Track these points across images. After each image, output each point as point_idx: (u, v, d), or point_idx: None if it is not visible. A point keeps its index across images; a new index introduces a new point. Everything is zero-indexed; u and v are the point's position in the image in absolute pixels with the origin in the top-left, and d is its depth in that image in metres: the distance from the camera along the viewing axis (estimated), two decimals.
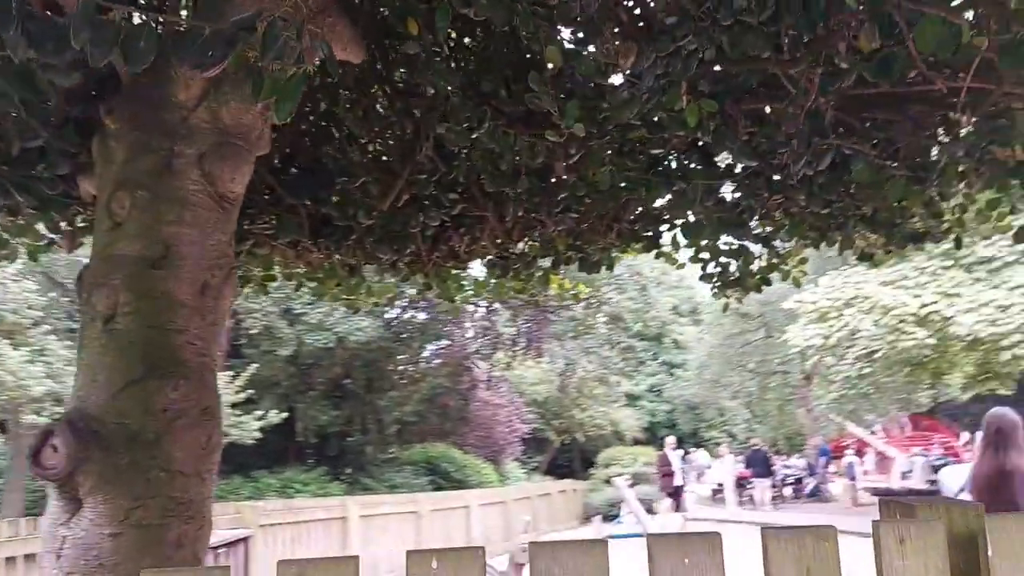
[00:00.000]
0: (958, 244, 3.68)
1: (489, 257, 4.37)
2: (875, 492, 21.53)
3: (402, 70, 3.30)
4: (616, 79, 2.60)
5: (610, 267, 4.30)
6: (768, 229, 3.77)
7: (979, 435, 17.88)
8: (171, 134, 2.49)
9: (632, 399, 35.63)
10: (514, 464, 26.95)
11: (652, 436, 35.89)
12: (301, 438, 19.22)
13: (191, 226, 2.49)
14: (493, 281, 4.69)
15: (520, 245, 4.28)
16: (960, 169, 3.05)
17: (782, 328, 24.29)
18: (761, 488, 20.69)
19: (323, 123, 3.76)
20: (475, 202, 3.85)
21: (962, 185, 3.21)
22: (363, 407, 20.93)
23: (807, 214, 3.48)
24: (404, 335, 22.07)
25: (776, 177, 3.20)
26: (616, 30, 2.19)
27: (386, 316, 20.98)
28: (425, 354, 23.55)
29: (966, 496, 5.28)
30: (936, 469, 23.48)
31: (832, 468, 25.42)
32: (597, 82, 2.50)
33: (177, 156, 2.49)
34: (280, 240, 3.78)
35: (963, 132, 2.79)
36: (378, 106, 3.64)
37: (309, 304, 17.68)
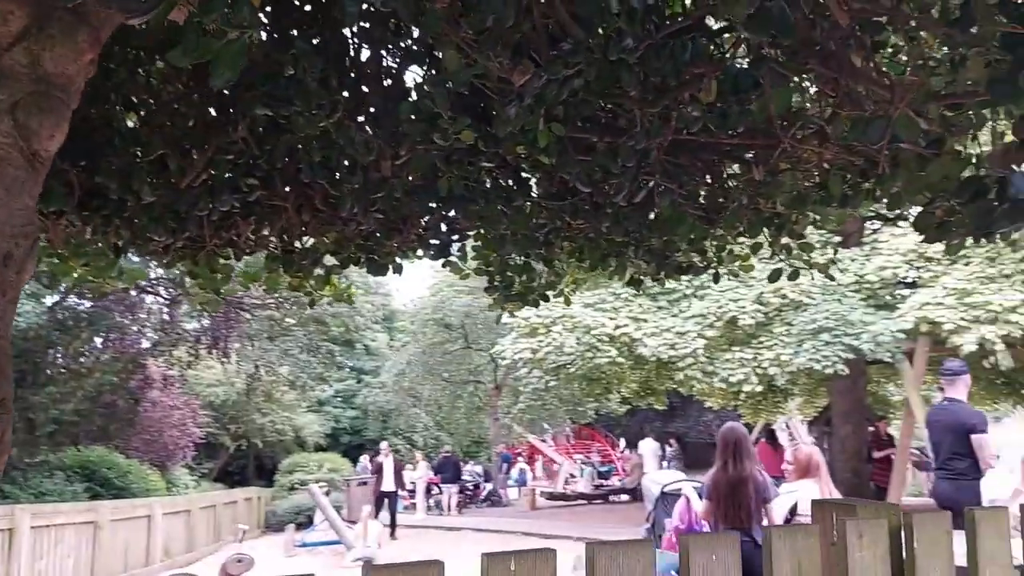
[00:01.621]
0: (716, 279, 4.21)
1: (272, 250, 4.17)
2: (550, 496, 23.34)
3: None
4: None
5: (398, 270, 4.30)
6: (557, 250, 4.01)
7: (645, 444, 19.94)
8: None
9: (319, 404, 35.16)
10: (183, 470, 25.22)
11: (335, 442, 35.64)
12: None
13: None
14: (265, 275, 4.47)
15: (310, 240, 4.13)
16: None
17: (480, 340, 25.50)
18: (449, 493, 21.46)
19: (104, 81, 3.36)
20: (275, 191, 3.67)
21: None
22: (12, 403, 18.35)
23: (603, 240, 3.77)
24: (70, 323, 19.74)
25: (586, 205, 3.44)
26: (516, 47, 2.26)
27: (46, 301, 18.65)
28: (93, 347, 21.20)
29: (695, 500, 5.95)
30: (603, 475, 26.00)
31: (512, 474, 27.07)
32: (488, 93, 2.54)
33: None
34: (45, 209, 3.32)
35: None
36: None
37: None
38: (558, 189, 3.54)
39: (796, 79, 2.38)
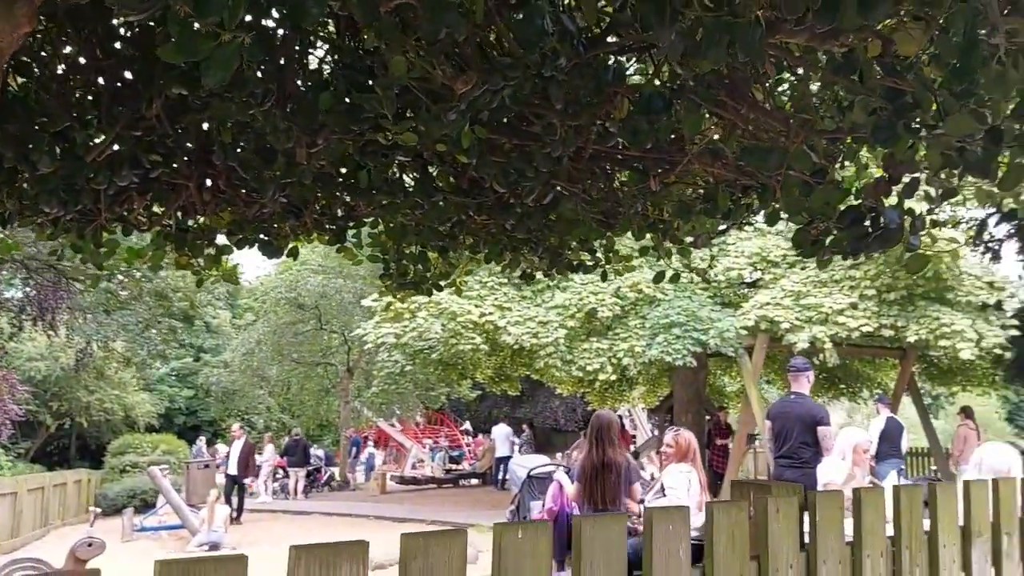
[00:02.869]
0: (603, 277, 4.49)
1: (164, 227, 4.10)
2: (401, 480, 23.42)
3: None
4: None
5: (292, 254, 4.33)
6: (458, 243, 4.17)
7: (498, 429, 20.27)
8: None
9: (152, 383, 33.61)
10: None
11: (168, 423, 34.17)
12: None
13: None
14: (152, 251, 4.38)
15: (203, 220, 4.09)
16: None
17: (333, 321, 25.15)
18: (296, 477, 21.14)
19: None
20: (177, 169, 3.64)
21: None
22: None
23: (503, 236, 3.96)
24: None
25: (489, 203, 3.62)
26: (458, 58, 2.40)
27: None
28: None
29: (567, 484, 6.26)
30: (454, 460, 26.29)
31: (362, 458, 26.93)
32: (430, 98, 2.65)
33: None
34: None
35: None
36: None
37: None
38: (468, 186, 3.70)
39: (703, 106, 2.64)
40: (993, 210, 10.91)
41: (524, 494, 7.66)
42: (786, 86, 3.17)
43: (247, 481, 16.95)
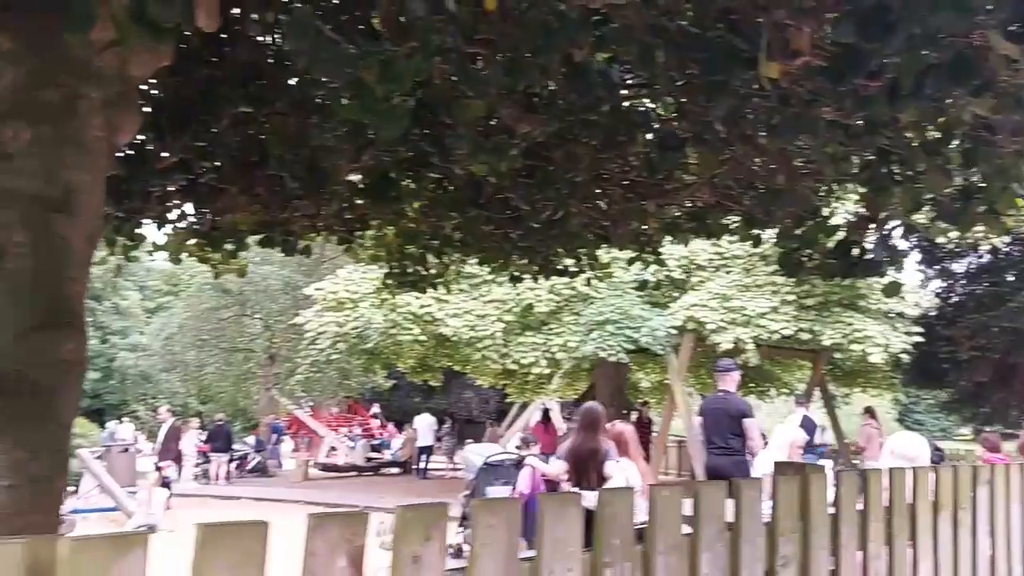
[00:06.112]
0: (588, 282, 5.00)
1: (195, 225, 4.40)
2: (323, 468, 23.50)
3: None
4: None
5: (305, 252, 4.69)
6: (467, 248, 4.62)
7: (421, 419, 20.37)
8: (77, 73, 2.38)
9: None
10: None
11: None
12: None
13: (89, 173, 2.42)
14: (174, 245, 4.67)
15: (232, 219, 4.41)
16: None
17: (257, 308, 24.98)
18: (218, 462, 21.01)
19: None
20: (223, 175, 3.97)
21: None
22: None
23: (506, 244, 4.43)
24: None
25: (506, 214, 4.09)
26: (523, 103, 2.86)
27: None
28: None
29: (543, 466, 6.74)
30: (376, 448, 26.45)
31: (283, 445, 26.79)
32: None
33: (82, 98, 2.38)
34: None
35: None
36: None
37: None
38: (485, 200, 4.15)
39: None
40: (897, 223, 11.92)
41: (480, 481, 8.11)
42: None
43: (162, 465, 16.79)
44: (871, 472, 2.65)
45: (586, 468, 5.51)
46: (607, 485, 5.75)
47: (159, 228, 4.37)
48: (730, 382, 7.73)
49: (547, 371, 13.97)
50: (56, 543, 1.00)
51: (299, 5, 1.89)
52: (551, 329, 13.69)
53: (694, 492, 1.80)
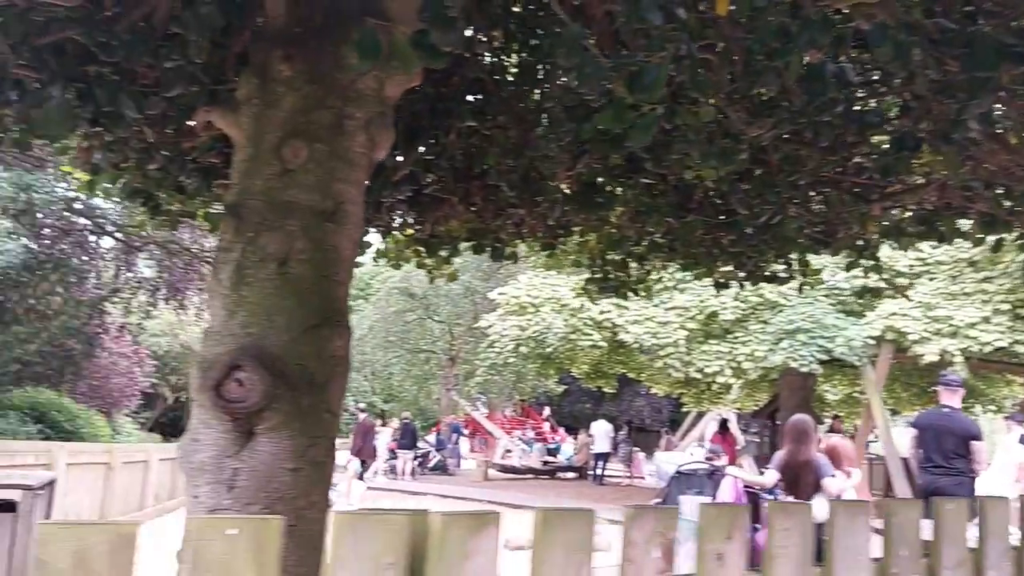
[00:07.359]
0: (800, 289, 4.89)
1: (416, 233, 4.67)
2: (502, 469, 24.08)
3: None
4: None
5: (512, 258, 4.86)
6: (675, 253, 4.63)
7: (598, 426, 20.43)
8: (342, 95, 2.59)
9: None
10: (126, 419, 25.09)
11: None
12: None
13: (355, 185, 2.63)
14: (394, 252, 4.96)
15: (448, 228, 4.63)
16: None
17: (440, 311, 25.99)
18: (404, 459, 22.00)
19: None
20: (446, 185, 4.18)
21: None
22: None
23: (715, 249, 4.40)
24: (43, 266, 19.56)
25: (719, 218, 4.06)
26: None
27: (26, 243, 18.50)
28: (59, 289, 21.00)
29: (748, 476, 6.68)
30: (551, 452, 26.81)
31: (462, 445, 27.70)
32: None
33: (348, 117, 2.59)
34: None
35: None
36: None
37: None
38: (695, 205, 4.15)
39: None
40: None
41: (672, 489, 8.06)
42: None
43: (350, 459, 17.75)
44: None
45: (797, 480, 5.36)
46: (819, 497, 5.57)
47: (383, 237, 4.66)
48: (955, 398, 7.33)
49: (731, 380, 13.64)
50: (428, 517, 1.11)
51: (569, 25, 1.98)
52: (736, 337, 13.36)
53: (980, 508, 1.73)
